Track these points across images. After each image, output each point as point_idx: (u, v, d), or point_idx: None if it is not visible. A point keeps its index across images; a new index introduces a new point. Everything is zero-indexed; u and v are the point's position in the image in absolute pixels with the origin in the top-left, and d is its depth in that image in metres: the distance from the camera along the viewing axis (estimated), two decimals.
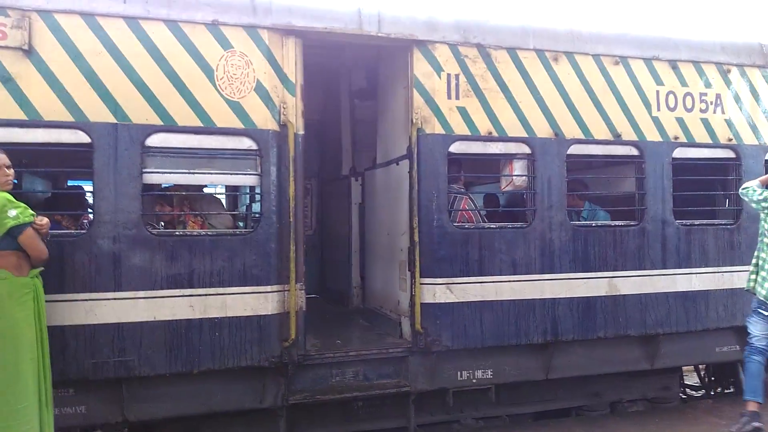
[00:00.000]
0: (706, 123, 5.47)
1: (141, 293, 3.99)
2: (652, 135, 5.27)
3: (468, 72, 4.77)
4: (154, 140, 4.05)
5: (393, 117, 5.49)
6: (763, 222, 4.82)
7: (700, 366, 6.54)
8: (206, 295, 4.11)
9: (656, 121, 5.29)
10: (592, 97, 5.09)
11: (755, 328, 4.81)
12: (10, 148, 3.69)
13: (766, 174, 5.28)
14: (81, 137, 3.93)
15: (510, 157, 5.02)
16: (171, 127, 4.08)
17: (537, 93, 4.94)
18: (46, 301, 3.63)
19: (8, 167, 3.55)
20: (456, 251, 4.68)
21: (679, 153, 5.36)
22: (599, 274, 5.07)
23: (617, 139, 5.15)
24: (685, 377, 6.44)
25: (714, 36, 5.69)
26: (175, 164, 4.14)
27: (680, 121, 5.38)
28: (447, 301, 4.66)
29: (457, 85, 4.74)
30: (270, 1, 4.35)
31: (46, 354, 3.57)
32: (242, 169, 4.30)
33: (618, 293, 5.12)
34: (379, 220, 5.90)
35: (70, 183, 5.58)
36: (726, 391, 6.36)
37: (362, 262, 6.52)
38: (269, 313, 4.24)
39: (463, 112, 4.75)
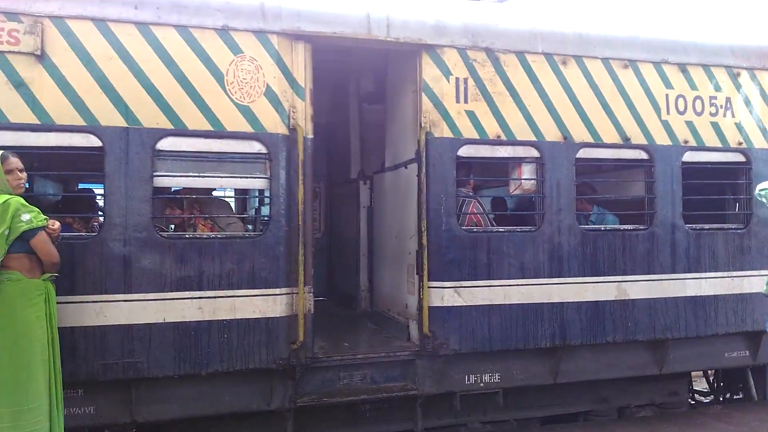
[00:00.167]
0: (716, 126, 5.44)
1: (151, 295, 4.02)
2: (662, 139, 5.24)
3: (477, 76, 4.77)
4: (165, 144, 4.09)
5: (401, 120, 5.50)
6: None
7: (709, 371, 6.49)
8: (215, 297, 4.14)
9: (666, 125, 5.26)
10: (601, 100, 5.08)
11: None
12: (22, 152, 3.73)
13: None
14: (92, 141, 3.97)
15: (519, 161, 5.01)
16: (181, 131, 4.11)
17: (546, 97, 4.93)
18: (57, 303, 3.67)
19: (21, 170, 3.60)
20: (464, 255, 4.68)
21: (688, 157, 5.32)
22: (608, 278, 5.04)
23: (626, 143, 5.13)
24: (693, 383, 6.40)
25: (724, 38, 5.65)
26: (186, 168, 4.16)
27: (690, 125, 5.35)
28: (455, 304, 4.65)
29: (465, 89, 4.74)
30: (279, 6, 4.38)
31: (57, 355, 3.61)
32: (252, 173, 4.33)
33: (627, 297, 5.09)
34: (388, 224, 5.91)
35: (81, 186, 5.63)
36: (735, 396, 6.31)
37: (370, 265, 6.52)
38: (278, 316, 4.26)
39: (471, 115, 4.75)
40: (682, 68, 5.33)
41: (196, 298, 4.10)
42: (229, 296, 4.16)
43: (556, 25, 5.13)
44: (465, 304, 4.67)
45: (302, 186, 4.35)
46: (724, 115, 5.46)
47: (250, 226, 5.13)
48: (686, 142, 5.32)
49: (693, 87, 5.37)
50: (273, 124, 4.29)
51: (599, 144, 5.07)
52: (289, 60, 4.36)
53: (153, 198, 4.07)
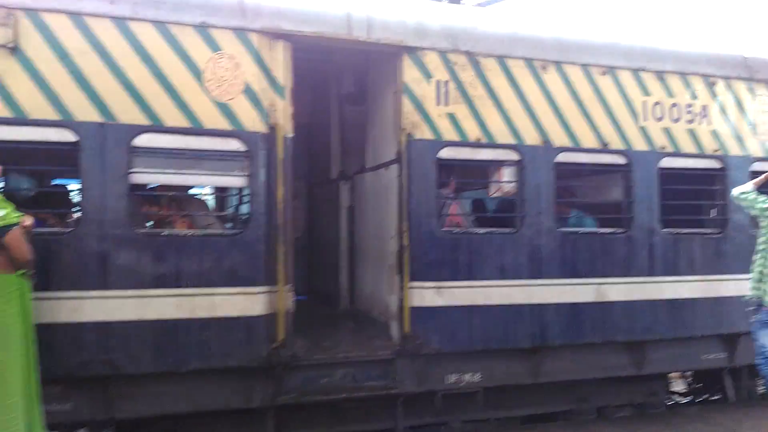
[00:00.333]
0: (692, 133, 5.53)
1: (127, 292, 3.96)
2: (640, 144, 5.32)
3: (457, 79, 4.79)
4: (142, 140, 4.03)
5: (382, 121, 5.50)
6: (764, 229, 4.54)
7: (687, 373, 6.56)
8: (194, 295, 4.09)
9: (643, 131, 5.34)
10: (580, 106, 5.14)
11: None
12: None
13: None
14: (67, 136, 3.90)
15: (499, 164, 5.04)
16: (158, 128, 4.06)
17: (525, 101, 4.97)
18: (32, 299, 3.60)
19: None
20: (445, 255, 4.69)
21: (666, 162, 5.40)
22: (587, 280, 5.09)
23: (605, 148, 5.20)
24: (672, 384, 6.46)
25: (700, 48, 5.75)
26: (163, 165, 4.12)
27: (667, 132, 5.43)
28: (436, 304, 4.66)
29: (446, 91, 4.76)
30: (259, 4, 4.35)
31: (33, 351, 3.55)
32: (230, 171, 4.28)
33: (606, 299, 5.14)
34: (368, 224, 5.90)
35: (55, 182, 5.51)
36: (712, 398, 6.39)
37: (351, 265, 6.50)
38: (257, 314, 4.22)
39: (452, 118, 4.77)
40: (660, 76, 5.42)
41: (174, 295, 4.05)
42: (207, 294, 4.12)
43: (536, 30, 5.19)
44: (446, 304, 4.67)
45: (282, 184, 4.32)
46: (701, 123, 5.56)
47: (229, 224, 5.08)
48: (663, 148, 5.40)
49: (670, 94, 5.46)
50: (252, 122, 4.25)
51: (578, 148, 5.12)
52: (269, 58, 4.33)
53: (129, 194, 4.01)
